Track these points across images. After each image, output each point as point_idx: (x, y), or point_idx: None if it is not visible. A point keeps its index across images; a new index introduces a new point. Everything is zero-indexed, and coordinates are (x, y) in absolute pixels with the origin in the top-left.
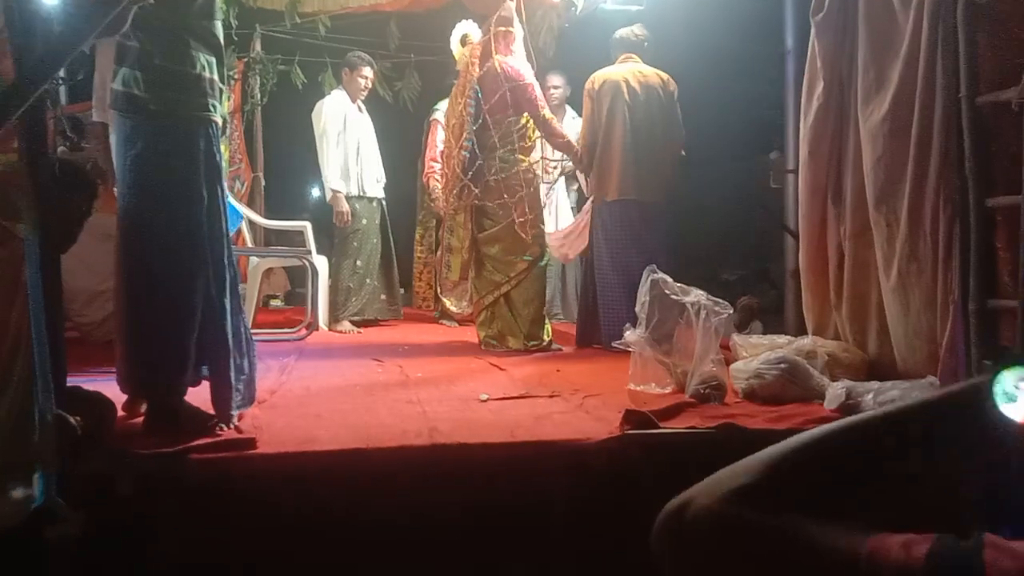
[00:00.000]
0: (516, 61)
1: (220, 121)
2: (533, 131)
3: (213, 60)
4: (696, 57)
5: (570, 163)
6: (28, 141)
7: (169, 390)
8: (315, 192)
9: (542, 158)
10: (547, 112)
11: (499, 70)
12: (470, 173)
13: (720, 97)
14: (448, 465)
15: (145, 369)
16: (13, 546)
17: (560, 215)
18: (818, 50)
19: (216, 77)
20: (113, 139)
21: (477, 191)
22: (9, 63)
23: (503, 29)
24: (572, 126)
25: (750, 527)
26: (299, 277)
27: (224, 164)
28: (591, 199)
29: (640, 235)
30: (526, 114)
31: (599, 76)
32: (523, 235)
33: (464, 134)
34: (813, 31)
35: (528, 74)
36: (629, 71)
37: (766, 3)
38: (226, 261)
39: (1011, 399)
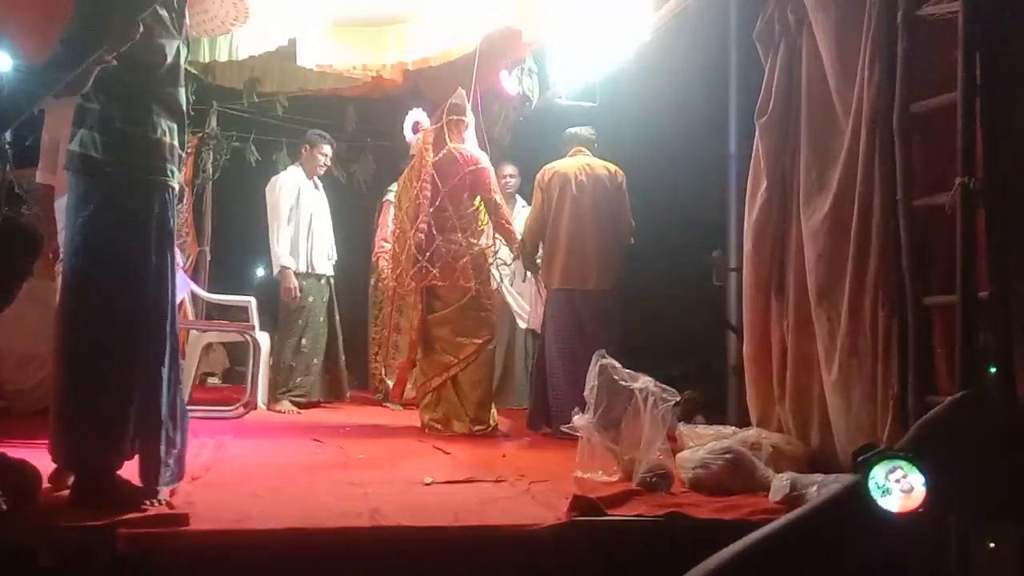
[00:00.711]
0: (470, 147)
1: (177, 187)
2: (484, 215)
3: (175, 126)
4: (645, 155)
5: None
6: None
7: (102, 463)
8: (260, 270)
9: (494, 238)
10: (498, 197)
11: (457, 155)
12: (427, 254)
13: (665, 195)
14: (390, 548)
15: (79, 439)
16: None
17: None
18: (762, 150)
19: (177, 143)
20: (61, 202)
21: (435, 271)
22: None
23: (455, 118)
24: (522, 215)
25: None
26: (239, 355)
27: (175, 231)
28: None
29: (584, 323)
30: (478, 198)
31: (549, 168)
32: (482, 314)
33: (421, 216)
34: (757, 132)
35: (483, 159)
36: (578, 164)
37: (712, 108)
38: (168, 330)
39: (885, 491)
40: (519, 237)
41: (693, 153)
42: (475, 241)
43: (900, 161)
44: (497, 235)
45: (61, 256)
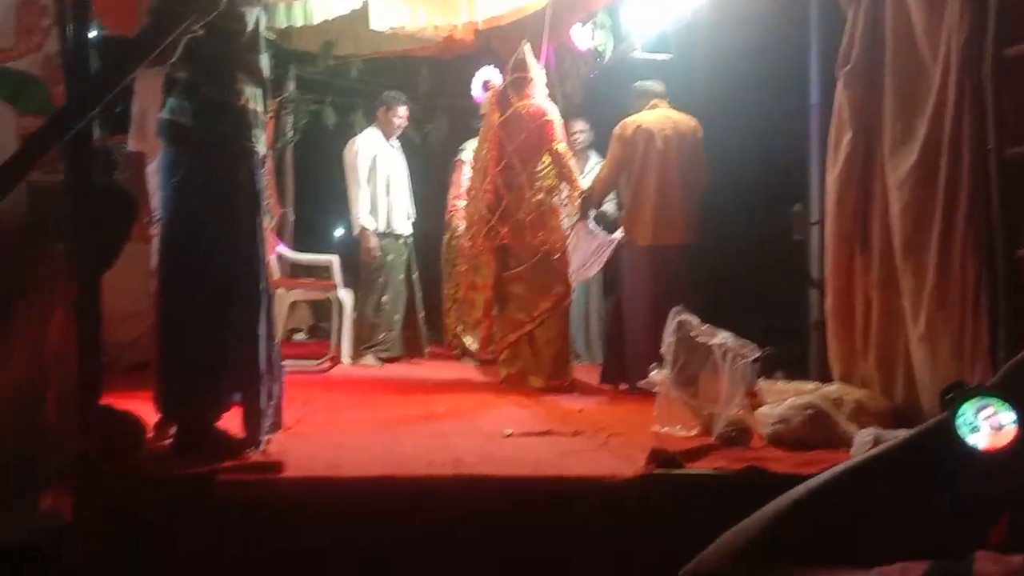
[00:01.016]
0: (536, 101)
1: (262, 152)
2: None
3: (258, 92)
4: (721, 108)
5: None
6: (74, 164)
7: (202, 415)
8: (341, 229)
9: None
10: (562, 147)
11: (522, 112)
12: (497, 213)
13: (744, 148)
14: (472, 496)
15: (179, 392)
16: (36, 564)
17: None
18: (844, 102)
19: (260, 109)
20: (152, 167)
21: (504, 230)
22: (61, 88)
23: (518, 75)
24: (595, 171)
25: None
26: (323, 312)
27: (262, 194)
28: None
29: (669, 278)
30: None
31: (631, 122)
32: (556, 269)
33: (489, 176)
34: (840, 83)
35: (551, 111)
36: (661, 117)
37: (792, 58)
38: (262, 287)
39: (974, 429)
40: (582, 188)
41: (772, 104)
42: (545, 197)
43: (992, 109)
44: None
45: (154, 219)
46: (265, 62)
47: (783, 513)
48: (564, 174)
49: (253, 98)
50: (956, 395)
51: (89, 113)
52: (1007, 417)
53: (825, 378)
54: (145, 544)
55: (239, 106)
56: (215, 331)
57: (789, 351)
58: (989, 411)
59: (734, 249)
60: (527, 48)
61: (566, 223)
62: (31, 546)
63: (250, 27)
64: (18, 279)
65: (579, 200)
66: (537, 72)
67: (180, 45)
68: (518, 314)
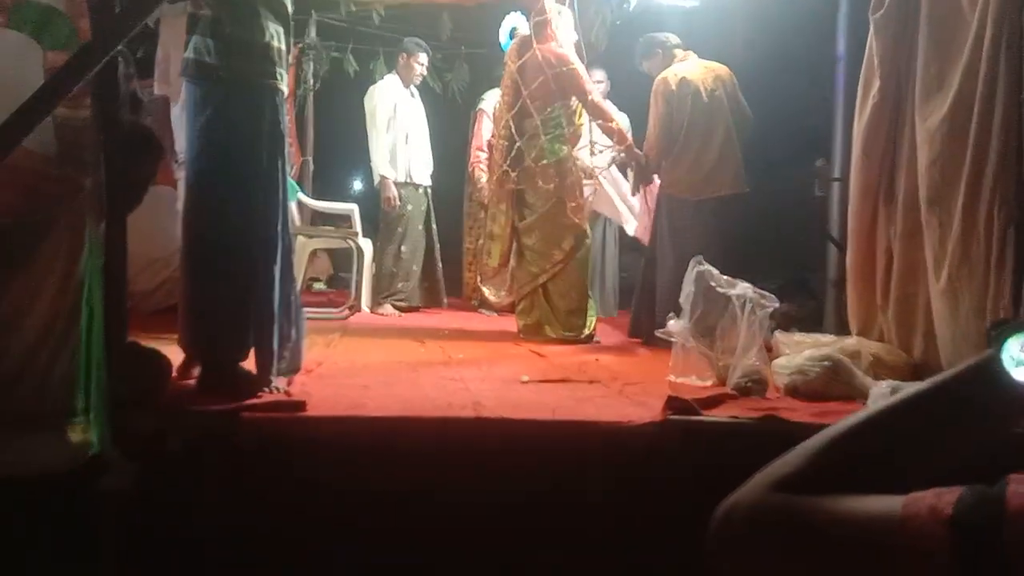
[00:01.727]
0: (561, 48)
1: (286, 90)
2: (580, 116)
3: (281, 29)
4: (747, 58)
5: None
6: (100, 100)
7: (227, 353)
8: (361, 179)
9: (591, 143)
10: (596, 96)
11: (540, 58)
12: (509, 159)
13: (768, 101)
14: (492, 438)
15: (205, 332)
16: (69, 492)
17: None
18: (876, 48)
19: (283, 47)
20: (176, 110)
21: (515, 175)
22: (86, 23)
23: (540, 18)
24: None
25: (792, 509)
26: (342, 262)
27: (286, 133)
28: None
29: (710, 233)
30: (574, 99)
31: (673, 75)
32: (569, 221)
33: (503, 121)
34: (872, 28)
35: (575, 59)
36: (701, 69)
37: (821, 6)
38: (280, 228)
39: (1020, 363)
40: (629, 138)
41: (799, 56)
42: (560, 146)
43: None
44: (594, 139)
45: (180, 161)
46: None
47: (820, 449)
48: (604, 127)
49: (276, 36)
50: (1002, 330)
51: (115, 47)
52: None
53: (843, 334)
54: (173, 476)
55: (263, 43)
56: (237, 271)
57: (806, 308)
58: None
59: (756, 203)
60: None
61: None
62: (64, 475)
63: None
64: (45, 213)
65: (638, 167)
66: (560, 18)
67: None
68: (531, 266)
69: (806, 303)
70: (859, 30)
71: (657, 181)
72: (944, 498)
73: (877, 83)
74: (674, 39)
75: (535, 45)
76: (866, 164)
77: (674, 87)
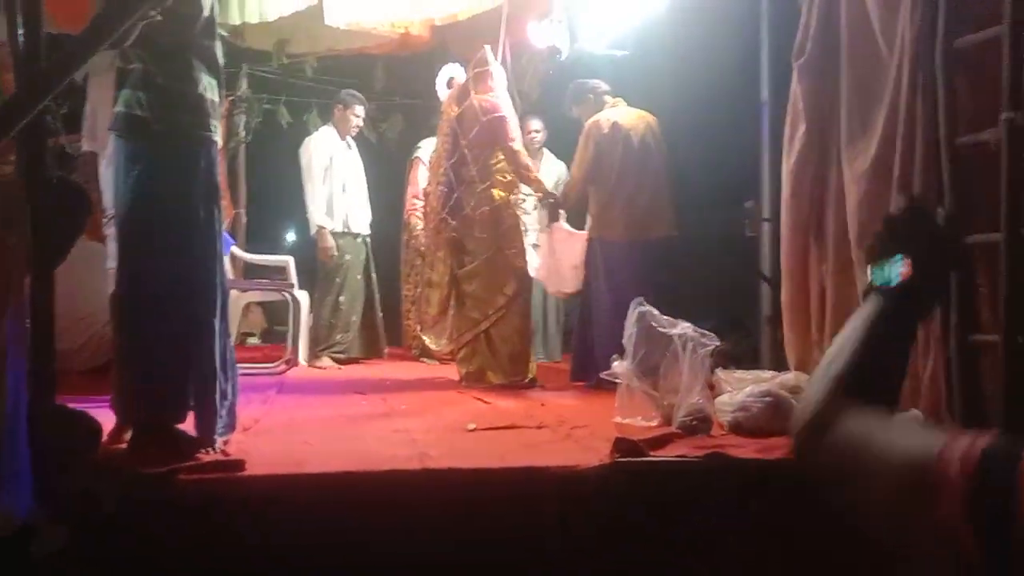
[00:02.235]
0: (494, 97)
1: (220, 142)
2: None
3: (214, 81)
4: (675, 105)
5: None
6: (26, 154)
7: (164, 416)
8: (296, 231)
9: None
10: (517, 145)
11: (477, 106)
12: (447, 207)
13: (696, 145)
14: (440, 489)
15: (141, 394)
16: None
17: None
18: (800, 92)
19: (216, 98)
20: (105, 165)
21: (454, 223)
22: (10, 77)
23: (479, 70)
24: (552, 169)
25: (852, 432)
26: (277, 315)
27: (219, 186)
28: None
29: (645, 274)
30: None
31: (606, 119)
32: (511, 265)
33: (441, 169)
34: (795, 74)
35: (505, 108)
36: (633, 115)
37: (744, 55)
38: (218, 282)
39: (882, 280)
40: (546, 186)
41: (724, 102)
42: (498, 193)
43: (942, 98)
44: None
45: (108, 217)
46: (219, 50)
47: (838, 375)
48: (520, 174)
49: (209, 87)
50: (871, 266)
51: (41, 102)
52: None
53: (781, 369)
54: (107, 541)
55: (196, 95)
56: (177, 328)
57: (742, 346)
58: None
59: (687, 245)
60: (488, 48)
61: (532, 229)
62: None
63: (206, 12)
64: None
65: (550, 203)
66: (497, 69)
67: (136, 30)
68: (473, 312)
69: (742, 341)
70: (780, 76)
71: (562, 222)
72: (977, 443)
73: (803, 125)
74: (604, 86)
75: (473, 95)
76: (795, 204)
77: (606, 130)
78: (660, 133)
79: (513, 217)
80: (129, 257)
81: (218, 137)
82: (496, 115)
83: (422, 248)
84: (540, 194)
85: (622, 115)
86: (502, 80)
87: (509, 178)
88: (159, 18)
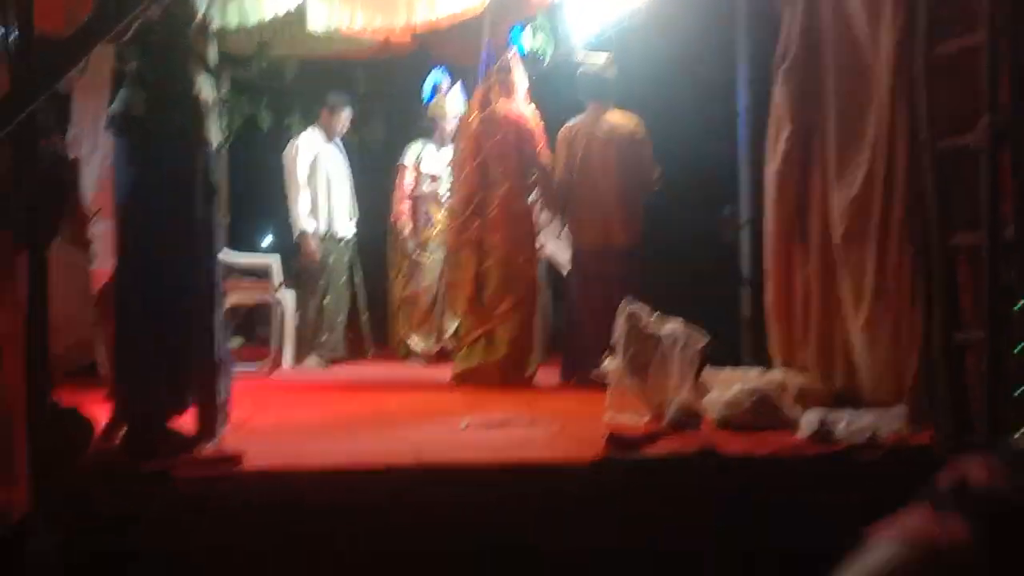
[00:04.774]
0: (518, 107)
1: (215, 142)
2: (532, 171)
3: (209, 81)
4: (654, 112)
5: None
6: (20, 152)
7: (161, 414)
8: (276, 233)
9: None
10: (544, 159)
11: (500, 114)
12: (471, 208)
13: (674, 152)
14: (435, 484)
15: (140, 392)
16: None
17: None
18: (782, 98)
19: (211, 99)
20: (87, 171)
21: (475, 225)
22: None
23: (503, 77)
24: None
25: None
26: (260, 318)
27: (216, 185)
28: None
29: (611, 281)
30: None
31: (572, 126)
32: (522, 269)
33: (465, 171)
34: (778, 80)
35: (530, 118)
36: (599, 120)
37: (721, 64)
38: (216, 281)
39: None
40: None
41: (702, 110)
42: (517, 198)
43: (924, 102)
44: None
45: (91, 221)
46: (214, 50)
47: None
48: (544, 186)
49: (204, 87)
50: None
51: (35, 100)
52: None
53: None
54: (105, 538)
55: (192, 95)
56: (174, 327)
57: (721, 349)
58: None
59: (666, 251)
60: (509, 56)
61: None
62: None
63: (201, 12)
64: None
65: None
66: (521, 76)
67: (133, 27)
68: (483, 312)
69: (720, 344)
70: (759, 85)
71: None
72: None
73: (787, 130)
74: (592, 89)
75: (496, 102)
76: (779, 207)
77: (572, 135)
78: (635, 139)
79: (529, 224)
80: (126, 259)
81: (213, 137)
82: (524, 127)
83: (409, 252)
84: (555, 214)
85: (588, 122)
86: (524, 87)
87: (528, 184)
88: (155, 17)
